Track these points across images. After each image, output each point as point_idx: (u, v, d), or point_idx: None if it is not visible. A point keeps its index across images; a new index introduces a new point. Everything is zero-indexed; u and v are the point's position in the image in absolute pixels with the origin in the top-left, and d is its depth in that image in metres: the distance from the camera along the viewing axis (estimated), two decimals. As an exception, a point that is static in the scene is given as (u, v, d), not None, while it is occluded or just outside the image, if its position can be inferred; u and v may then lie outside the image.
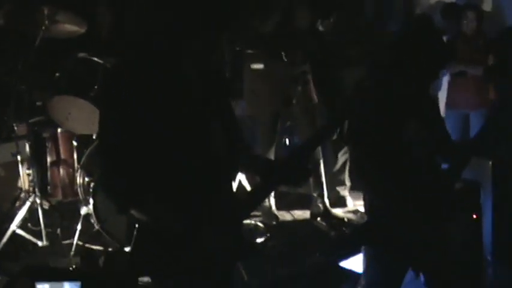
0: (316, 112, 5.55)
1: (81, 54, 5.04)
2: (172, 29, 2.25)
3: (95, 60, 4.97)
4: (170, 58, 2.27)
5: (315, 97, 5.52)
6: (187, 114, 2.28)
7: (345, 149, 6.03)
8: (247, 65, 5.40)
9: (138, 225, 2.33)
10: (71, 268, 3.76)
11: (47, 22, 5.00)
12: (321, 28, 5.60)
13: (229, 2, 2.26)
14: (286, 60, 5.29)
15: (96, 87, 4.84)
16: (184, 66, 2.30)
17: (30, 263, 4.56)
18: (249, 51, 5.32)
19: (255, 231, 5.36)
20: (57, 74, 5.05)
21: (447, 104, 6.39)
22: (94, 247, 5.00)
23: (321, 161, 5.66)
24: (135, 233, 2.34)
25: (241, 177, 5.34)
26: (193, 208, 2.29)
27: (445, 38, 4.83)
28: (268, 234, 5.32)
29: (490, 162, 4.45)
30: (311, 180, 5.63)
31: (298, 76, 5.43)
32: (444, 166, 3.37)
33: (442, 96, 6.50)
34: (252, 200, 2.55)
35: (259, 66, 5.32)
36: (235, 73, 5.34)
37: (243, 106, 5.61)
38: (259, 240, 5.13)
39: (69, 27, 5.21)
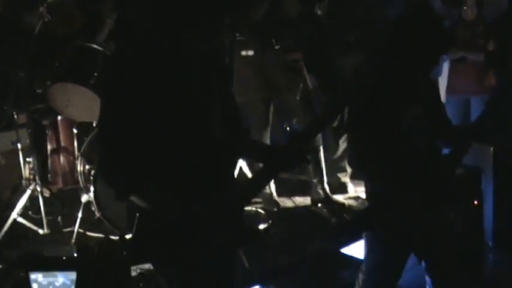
0: (313, 98, 5.53)
1: (80, 42, 5.03)
2: (172, 17, 2.25)
3: (94, 48, 4.95)
4: (170, 47, 2.26)
5: (309, 83, 5.50)
6: (188, 101, 2.28)
7: (346, 135, 6.03)
8: (237, 52, 5.35)
9: (139, 212, 2.32)
10: (64, 257, 3.75)
11: (45, 11, 4.98)
12: (319, 12, 5.58)
13: None
14: (276, 47, 5.25)
15: (95, 74, 4.83)
16: (184, 55, 2.29)
17: (25, 251, 4.54)
18: (239, 37, 5.28)
19: (256, 217, 5.36)
20: (56, 62, 5.04)
21: (447, 90, 6.39)
22: (95, 235, 5.01)
23: (321, 148, 5.65)
24: (136, 220, 2.34)
25: (242, 163, 5.33)
26: (194, 194, 2.29)
27: (445, 24, 4.81)
28: (270, 221, 5.32)
29: (491, 148, 4.46)
30: (311, 166, 5.63)
31: (290, 63, 5.39)
32: (445, 152, 3.37)
33: (443, 82, 6.48)
34: (254, 186, 2.55)
35: (249, 53, 5.29)
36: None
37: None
38: (261, 226, 5.13)
39: (68, 17, 5.21)
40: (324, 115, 2.58)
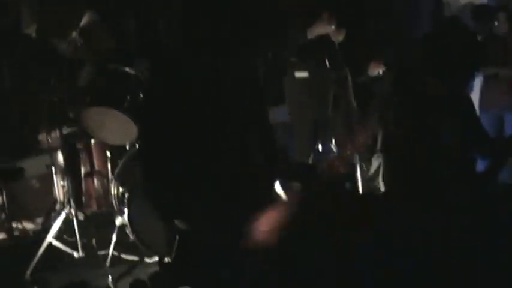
0: (354, 117, 5.53)
1: (112, 65, 5.07)
2: (202, 45, 2.26)
3: (126, 71, 4.99)
4: (206, 69, 2.27)
5: (353, 101, 5.51)
6: (224, 124, 2.28)
7: (378, 152, 5.98)
8: (290, 73, 5.39)
9: (179, 234, 2.32)
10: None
11: (78, 36, 5.05)
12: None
13: (263, 16, 2.27)
14: (329, 66, 5.28)
15: (128, 97, 4.86)
16: (222, 77, 2.29)
17: (67, 282, 4.51)
18: (293, 59, 5.31)
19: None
20: (89, 86, 5.09)
21: (480, 106, 6.33)
22: (129, 257, 5.01)
23: (357, 166, 5.62)
24: (175, 242, 2.34)
25: (276, 185, 5.30)
26: (235, 219, 2.28)
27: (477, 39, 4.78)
28: None
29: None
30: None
31: (341, 80, 5.42)
32: (481, 167, 3.33)
33: (475, 98, 6.43)
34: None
35: (303, 74, 5.32)
36: (275, 80, 5.32)
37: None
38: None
39: (101, 40, 5.26)
40: None
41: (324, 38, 5.18)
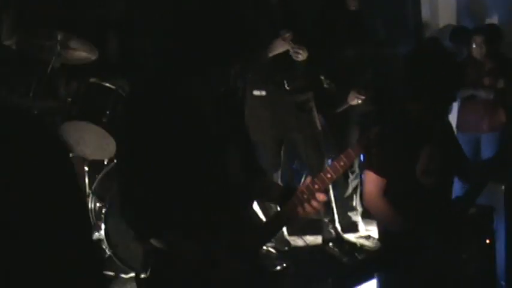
0: (321, 139, 5.53)
1: (93, 80, 5.07)
2: (181, 63, 2.28)
3: (106, 86, 4.99)
4: (181, 90, 2.28)
5: (318, 124, 5.50)
6: (202, 143, 2.29)
7: (355, 174, 6.02)
8: (249, 91, 5.39)
9: (155, 252, 2.32)
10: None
11: (59, 48, 5.03)
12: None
13: (244, 32, 2.28)
14: (288, 88, 5.28)
15: (108, 112, 4.86)
16: (195, 98, 2.31)
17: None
18: (252, 77, 5.29)
19: (267, 257, 5.32)
20: (69, 99, 5.08)
21: (457, 127, 6.38)
22: (106, 273, 4.98)
23: (330, 186, 5.63)
24: (152, 259, 2.35)
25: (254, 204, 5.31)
26: (211, 237, 2.28)
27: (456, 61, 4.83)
28: (285, 264, 5.27)
29: (503, 187, 4.43)
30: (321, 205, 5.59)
31: (301, 104, 5.42)
32: (459, 191, 3.37)
33: (452, 120, 6.49)
34: (270, 228, 2.54)
35: (262, 92, 5.30)
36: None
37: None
38: (277, 268, 5.09)
39: (81, 54, 5.25)
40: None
41: (284, 58, 5.18)
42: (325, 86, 5.38)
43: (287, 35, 5.04)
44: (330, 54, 5.66)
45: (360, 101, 5.57)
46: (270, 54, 5.11)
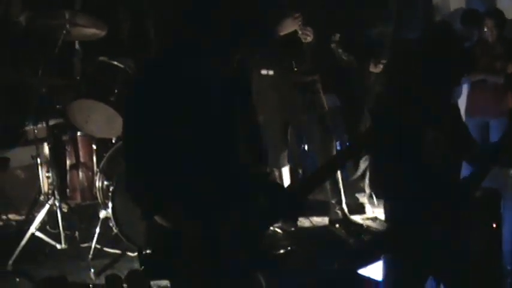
0: (328, 121, 5.53)
1: (102, 58, 5.07)
2: (190, 40, 2.27)
3: (115, 64, 4.99)
4: (189, 67, 2.28)
5: (325, 105, 5.50)
6: (208, 119, 2.29)
7: (366, 156, 6.01)
8: (256, 71, 5.38)
9: (158, 228, 2.33)
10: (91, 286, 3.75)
11: (67, 25, 5.02)
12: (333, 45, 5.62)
13: (250, 11, 2.28)
14: (296, 69, 5.27)
15: (116, 91, 4.86)
16: (204, 75, 2.30)
17: (49, 276, 4.47)
18: (260, 56, 5.29)
19: (273, 237, 5.33)
20: (77, 78, 5.09)
21: (466, 112, 6.35)
22: (112, 251, 5.02)
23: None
24: (154, 235, 2.36)
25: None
26: (215, 216, 2.29)
27: (465, 45, 4.81)
28: (290, 247, 5.27)
29: (511, 171, 4.43)
30: (329, 186, 5.61)
31: (308, 85, 5.41)
32: (465, 173, 3.35)
33: (462, 104, 6.46)
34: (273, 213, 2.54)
35: (269, 72, 5.30)
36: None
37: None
38: (282, 251, 5.08)
39: (90, 31, 5.24)
40: (338, 156, 2.55)
41: (293, 39, 5.17)
42: (343, 58, 5.38)
43: (297, 15, 5.04)
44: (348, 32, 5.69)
45: (381, 67, 5.57)
46: (280, 34, 5.11)
